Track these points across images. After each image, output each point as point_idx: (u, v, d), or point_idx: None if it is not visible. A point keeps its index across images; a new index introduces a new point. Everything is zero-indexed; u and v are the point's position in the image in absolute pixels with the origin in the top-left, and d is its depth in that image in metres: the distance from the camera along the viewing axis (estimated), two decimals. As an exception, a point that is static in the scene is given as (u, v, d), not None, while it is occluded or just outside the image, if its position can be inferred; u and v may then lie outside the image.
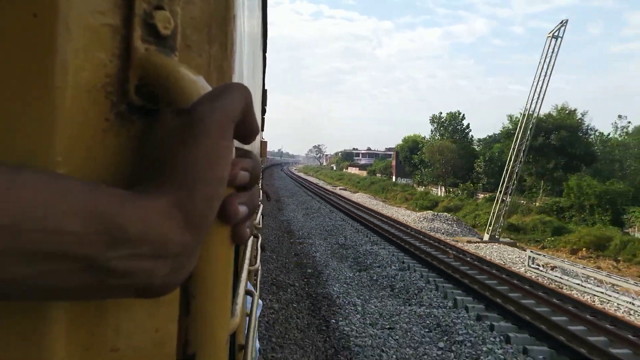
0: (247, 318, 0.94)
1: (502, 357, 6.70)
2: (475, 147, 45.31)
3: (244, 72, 0.67)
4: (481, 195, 33.39)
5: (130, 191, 0.30)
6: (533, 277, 12.04)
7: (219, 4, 0.41)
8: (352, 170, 78.31)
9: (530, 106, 18.83)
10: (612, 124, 45.46)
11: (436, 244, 15.76)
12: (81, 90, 0.32)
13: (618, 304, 10.05)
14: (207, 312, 0.36)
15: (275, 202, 24.47)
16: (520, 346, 7.11)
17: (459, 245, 16.53)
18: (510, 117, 35.16)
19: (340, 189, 46.04)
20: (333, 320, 7.55)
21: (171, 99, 0.34)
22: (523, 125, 19.23)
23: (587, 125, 34.18)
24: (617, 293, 10.52)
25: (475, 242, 18.33)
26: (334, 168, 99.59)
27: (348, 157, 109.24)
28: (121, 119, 0.34)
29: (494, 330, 7.71)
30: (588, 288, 10.98)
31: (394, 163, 58.84)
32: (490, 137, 45.48)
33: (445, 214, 23.99)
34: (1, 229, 0.24)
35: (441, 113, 51.37)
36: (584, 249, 19.31)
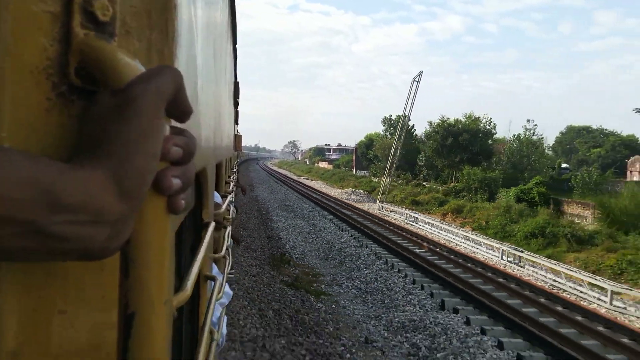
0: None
1: (351, 248, 17.23)
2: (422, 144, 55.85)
3: (197, 60, 0.73)
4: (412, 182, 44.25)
5: (69, 163, 0.33)
6: (380, 214, 23.38)
7: None
8: (323, 164, 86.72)
9: (402, 122, 29.90)
10: (522, 126, 56.88)
11: (340, 204, 27.01)
12: (23, 71, 0.34)
13: (419, 225, 20.80)
14: (144, 275, 0.39)
15: (249, 186, 34.67)
16: (355, 238, 17.65)
17: (354, 204, 27.64)
18: (430, 122, 45.99)
19: (303, 179, 56.55)
20: (273, 225, 18.25)
21: (108, 81, 0.36)
22: (397, 132, 30.14)
23: (488, 128, 45.15)
24: (429, 225, 21.25)
25: (368, 204, 29.25)
26: (307, 162, 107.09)
27: (320, 152, 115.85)
28: (63, 99, 0.36)
29: (347, 232, 18.32)
30: (403, 219, 21.77)
31: (354, 158, 69.25)
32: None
33: (361, 190, 35.05)
34: None
35: (391, 115, 61.82)
36: (449, 213, 29.99)
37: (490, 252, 15.44)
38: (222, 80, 1.85)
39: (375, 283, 10.98)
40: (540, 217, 20.80)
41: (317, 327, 7.79)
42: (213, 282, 1.02)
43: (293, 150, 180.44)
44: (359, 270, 12.21)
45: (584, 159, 52.01)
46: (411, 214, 22.87)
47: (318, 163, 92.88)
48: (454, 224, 24.81)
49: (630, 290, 10.91)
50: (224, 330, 1.42)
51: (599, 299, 10.68)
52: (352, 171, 65.48)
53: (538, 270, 13.03)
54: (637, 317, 9.82)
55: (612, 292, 10.46)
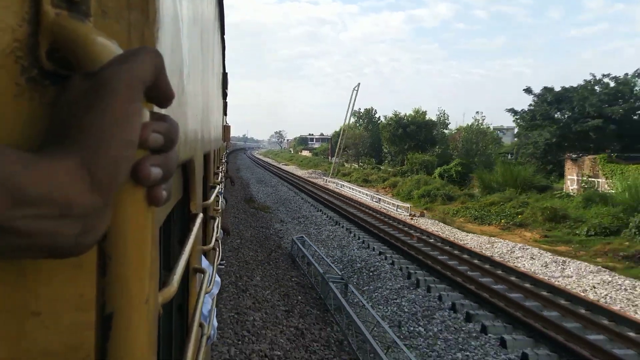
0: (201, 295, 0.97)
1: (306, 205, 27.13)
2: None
3: (183, 48, 0.69)
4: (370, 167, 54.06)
5: (36, 153, 0.30)
6: (323, 184, 33.60)
7: None
8: (305, 153, 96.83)
9: (345, 122, 40.05)
10: (472, 117, 66.79)
11: (299, 179, 37.76)
12: None
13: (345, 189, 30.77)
14: (122, 273, 0.37)
15: (237, 170, 44.26)
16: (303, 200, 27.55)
17: (309, 179, 37.87)
18: (385, 116, 55.80)
19: (282, 165, 66.33)
20: (250, 189, 28.44)
21: (82, 64, 0.34)
22: (342, 130, 40.07)
23: (442, 120, 54.90)
24: (363, 194, 31.20)
25: (320, 180, 39.49)
26: (292, 151, 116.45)
27: (304, 141, 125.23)
28: (33, 84, 0.34)
29: (294, 192, 28.21)
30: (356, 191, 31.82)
31: (330, 146, 79.02)
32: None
33: (319, 170, 45.27)
34: None
35: (360, 109, 71.38)
36: (387, 187, 39.94)
37: (367, 198, 25.63)
38: (210, 71, 1.79)
39: (301, 211, 21.41)
40: (432, 185, 30.77)
41: (263, 220, 17.81)
42: (202, 275, 1.01)
43: (279, 140, 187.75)
44: (291, 204, 23.24)
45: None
46: (341, 182, 33.64)
47: (301, 152, 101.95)
48: (385, 193, 34.65)
49: (425, 212, 21.14)
50: (215, 323, 1.37)
51: (401, 214, 21.00)
52: (328, 158, 75.41)
53: (389, 206, 23.42)
54: (407, 215, 19.88)
55: (399, 206, 20.62)
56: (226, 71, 5.12)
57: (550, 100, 30.21)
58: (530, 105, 32.28)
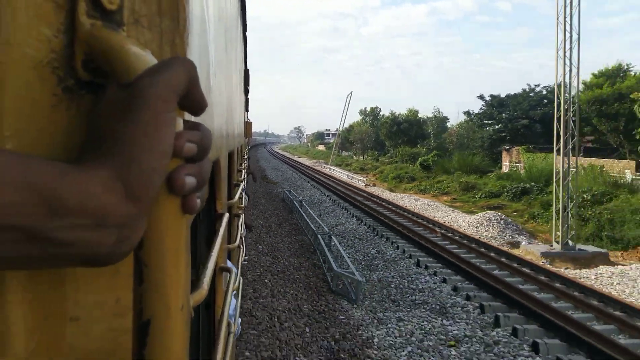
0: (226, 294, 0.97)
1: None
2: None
3: (210, 49, 0.70)
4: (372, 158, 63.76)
5: (72, 164, 0.31)
6: (320, 170, 43.62)
7: None
8: (321, 147, 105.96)
9: (340, 126, 49.69)
10: (463, 113, 75.66)
11: (305, 166, 47.84)
12: (26, 66, 0.32)
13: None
14: (159, 280, 0.37)
15: (256, 161, 54.65)
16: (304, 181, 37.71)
17: (312, 166, 48.03)
18: (384, 115, 65.18)
19: (296, 157, 76.64)
20: (266, 173, 38.63)
21: (117, 74, 0.34)
22: (339, 128, 49.83)
23: (438, 117, 63.95)
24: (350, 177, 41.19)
25: (320, 167, 49.49)
26: (310, 146, 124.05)
27: (320, 136, 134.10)
28: (70, 94, 0.34)
29: (298, 175, 38.35)
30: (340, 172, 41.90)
31: (340, 141, 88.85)
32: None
33: (322, 161, 55.37)
34: None
35: (366, 107, 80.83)
36: (377, 173, 49.57)
37: (344, 176, 35.49)
38: (233, 68, 1.78)
39: (296, 183, 31.36)
40: (403, 170, 40.43)
41: (272, 187, 28.14)
42: (229, 274, 1.01)
43: (299, 135, 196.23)
44: (294, 181, 33.24)
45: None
46: (333, 168, 43.50)
47: (317, 146, 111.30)
48: (375, 178, 44.39)
49: (375, 183, 30.99)
50: (238, 320, 1.36)
51: (361, 184, 30.69)
52: (338, 152, 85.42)
53: (356, 182, 33.26)
54: (364, 185, 29.58)
55: (360, 180, 30.54)
56: (248, 68, 5.17)
57: (495, 105, 39.51)
58: (480, 108, 41.63)
